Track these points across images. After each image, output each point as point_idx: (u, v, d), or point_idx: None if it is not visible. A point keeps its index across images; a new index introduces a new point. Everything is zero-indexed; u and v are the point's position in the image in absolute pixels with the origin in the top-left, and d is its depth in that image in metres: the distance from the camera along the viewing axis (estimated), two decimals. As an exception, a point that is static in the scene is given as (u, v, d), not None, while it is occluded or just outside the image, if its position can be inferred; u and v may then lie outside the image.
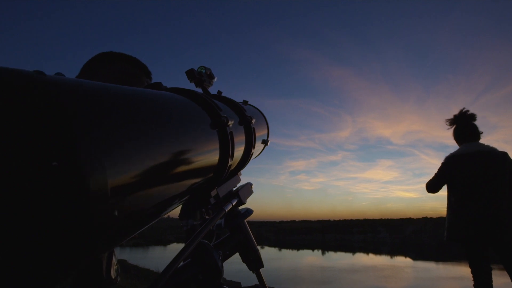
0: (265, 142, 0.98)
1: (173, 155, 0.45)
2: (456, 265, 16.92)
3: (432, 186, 3.13)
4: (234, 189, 0.76)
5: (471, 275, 2.83)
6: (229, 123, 0.61)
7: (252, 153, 0.82)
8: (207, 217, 0.72)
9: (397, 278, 14.05)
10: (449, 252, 22.48)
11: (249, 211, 0.78)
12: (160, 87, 0.61)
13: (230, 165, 0.64)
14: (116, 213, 0.31)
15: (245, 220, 0.77)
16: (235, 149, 0.70)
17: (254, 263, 0.77)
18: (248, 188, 0.80)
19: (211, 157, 0.58)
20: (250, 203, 0.79)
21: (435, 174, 3.14)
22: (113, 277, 1.14)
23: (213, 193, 0.64)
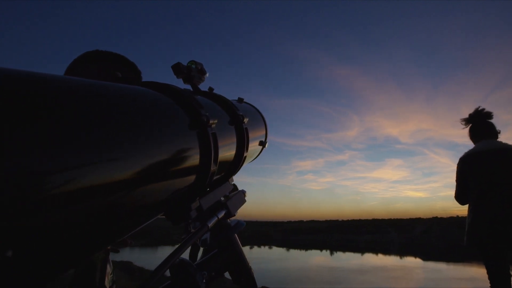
0: (262, 143, 0.89)
1: (130, 161, 0.35)
2: (467, 265, 16.57)
3: (459, 196, 2.99)
4: (223, 198, 0.67)
5: (488, 280, 2.69)
6: (211, 122, 0.52)
7: (245, 156, 0.72)
8: (192, 230, 0.63)
9: (408, 279, 13.80)
10: (454, 252, 22.14)
11: (240, 224, 0.68)
12: (131, 82, 0.52)
13: (214, 172, 0.54)
14: (10, 253, 0.22)
15: (236, 234, 0.68)
16: (224, 153, 0.61)
17: (246, 284, 0.67)
18: (239, 197, 0.69)
19: (189, 163, 0.48)
20: (256, 204, 0.70)
21: (455, 180, 3.01)
22: (107, 287, 1.08)
23: (196, 205, 0.54)
